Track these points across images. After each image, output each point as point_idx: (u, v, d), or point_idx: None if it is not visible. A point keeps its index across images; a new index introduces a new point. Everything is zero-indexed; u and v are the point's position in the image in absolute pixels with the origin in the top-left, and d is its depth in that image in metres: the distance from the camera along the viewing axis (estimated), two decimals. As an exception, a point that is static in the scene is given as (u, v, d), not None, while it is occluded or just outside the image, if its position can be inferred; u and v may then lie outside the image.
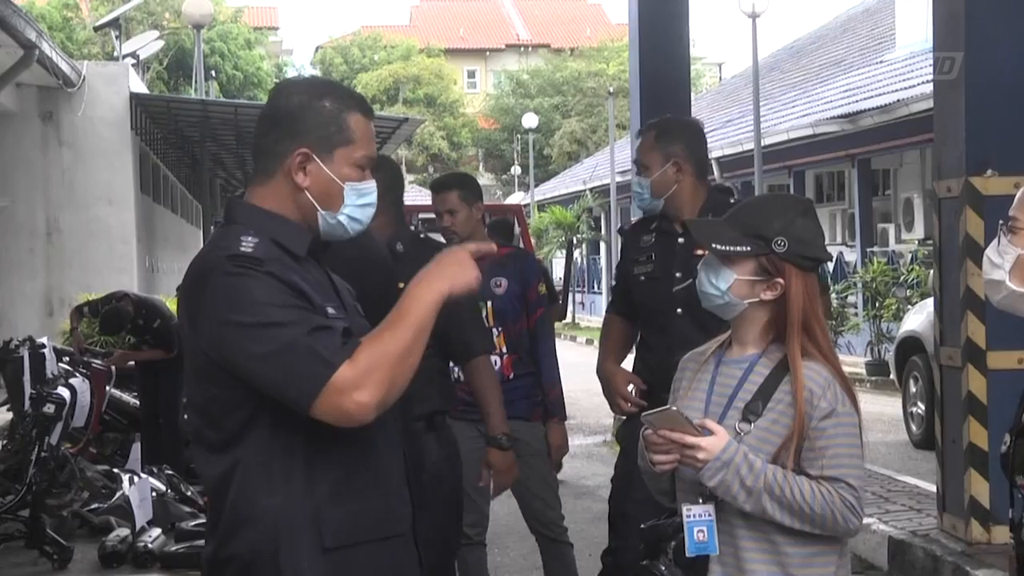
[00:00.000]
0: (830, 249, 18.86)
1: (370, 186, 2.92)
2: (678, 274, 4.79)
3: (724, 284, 3.12)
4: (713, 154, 25.13)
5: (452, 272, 2.76)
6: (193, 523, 7.95)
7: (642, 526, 3.25)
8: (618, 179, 30.52)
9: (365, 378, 2.61)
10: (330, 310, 2.79)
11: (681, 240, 4.83)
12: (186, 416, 10.35)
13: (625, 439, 5.04)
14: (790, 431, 3.01)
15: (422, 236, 5.10)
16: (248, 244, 2.73)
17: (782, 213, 3.16)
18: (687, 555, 3.05)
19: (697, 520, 3.05)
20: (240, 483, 2.74)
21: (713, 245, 3.15)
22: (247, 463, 2.72)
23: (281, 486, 2.72)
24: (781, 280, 3.09)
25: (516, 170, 56.03)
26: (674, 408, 3.06)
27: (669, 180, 4.83)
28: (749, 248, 3.11)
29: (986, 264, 2.66)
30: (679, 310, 4.78)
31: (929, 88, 11.40)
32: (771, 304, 3.12)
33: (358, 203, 2.90)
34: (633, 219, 6.27)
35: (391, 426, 2.91)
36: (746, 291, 3.12)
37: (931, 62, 7.13)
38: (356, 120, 2.89)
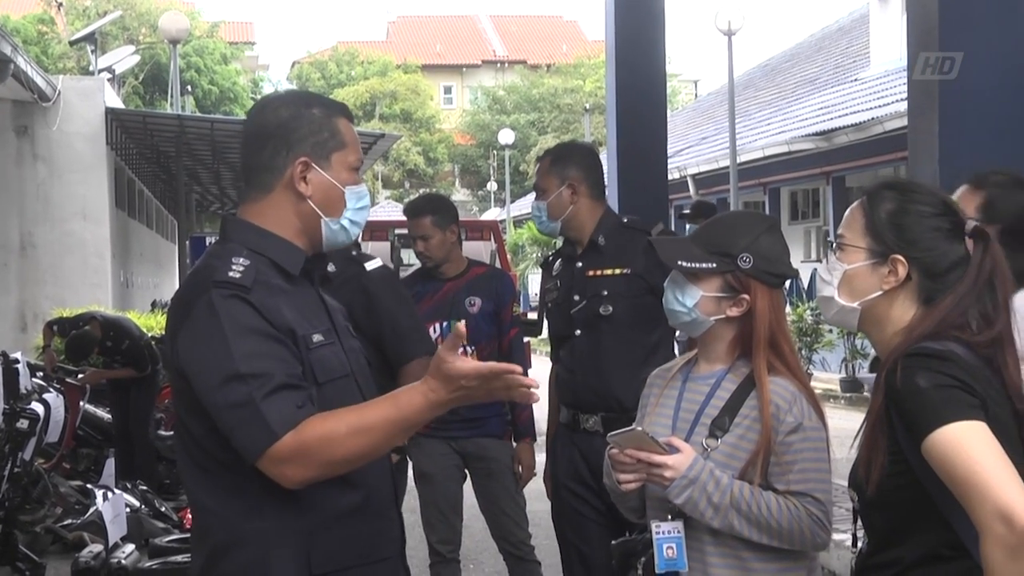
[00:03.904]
0: (805, 266, 19.00)
1: (364, 189, 2.95)
2: (575, 297, 4.90)
3: (690, 301, 3.15)
4: (689, 171, 25.25)
5: (474, 397, 2.64)
6: (167, 539, 7.91)
7: (613, 542, 3.27)
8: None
9: (301, 456, 2.58)
10: (316, 337, 2.77)
11: (579, 264, 4.97)
12: (160, 432, 10.35)
13: (548, 459, 5.16)
14: (757, 446, 3.03)
15: (354, 254, 5.13)
16: (237, 268, 2.71)
17: (747, 230, 3.20)
18: (657, 572, 3.07)
19: (666, 537, 3.07)
20: (233, 504, 2.73)
21: (679, 263, 3.17)
22: (240, 485, 2.70)
23: (273, 509, 2.70)
24: (747, 296, 3.12)
25: (492, 186, 56.10)
26: (639, 428, 3.07)
27: (564, 202, 4.98)
28: (714, 265, 3.14)
29: (818, 283, 2.74)
30: (578, 331, 4.92)
31: (903, 106, 11.46)
32: (737, 320, 3.14)
33: (357, 206, 2.91)
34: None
35: None
36: (712, 308, 3.14)
37: (905, 80, 7.14)
38: (344, 124, 2.92)
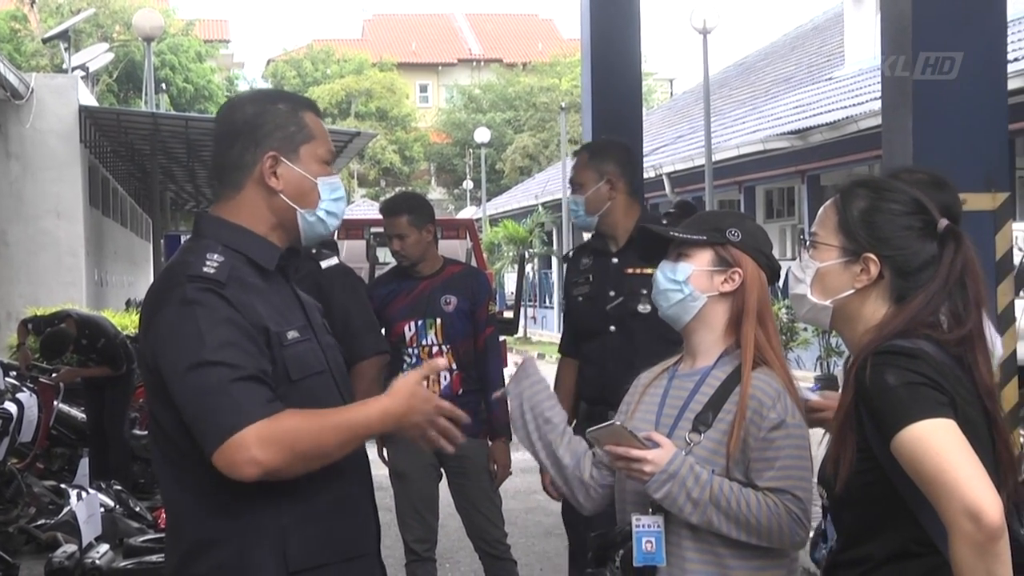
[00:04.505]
0: (780, 264, 19.11)
1: (338, 180, 2.96)
2: (611, 293, 4.95)
3: (682, 275, 3.16)
4: (664, 170, 25.28)
5: (417, 421, 2.77)
6: (142, 539, 7.89)
7: (592, 534, 3.27)
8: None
9: (272, 442, 2.56)
10: (291, 334, 2.77)
11: (615, 260, 5.01)
12: (135, 431, 10.31)
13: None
14: (732, 435, 3.03)
15: (312, 251, 5.14)
16: (212, 263, 2.72)
17: (732, 215, 3.29)
18: (635, 564, 3.07)
19: (646, 530, 3.07)
20: (207, 503, 2.71)
21: (672, 233, 3.22)
22: (214, 484, 2.67)
23: (248, 507, 2.69)
24: (739, 270, 3.14)
25: (468, 184, 56.05)
26: (617, 423, 3.08)
27: (603, 197, 5.06)
28: (705, 237, 3.17)
29: (791, 280, 2.76)
30: (612, 328, 5.00)
31: (877, 105, 11.49)
32: (729, 303, 3.15)
33: (332, 197, 2.91)
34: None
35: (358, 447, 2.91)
36: (705, 283, 3.15)
37: (879, 79, 7.17)
38: (311, 118, 2.93)
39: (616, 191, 5.04)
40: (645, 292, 4.86)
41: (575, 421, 5.25)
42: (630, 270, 4.96)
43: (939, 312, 2.54)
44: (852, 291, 2.63)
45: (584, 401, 5.17)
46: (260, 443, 2.55)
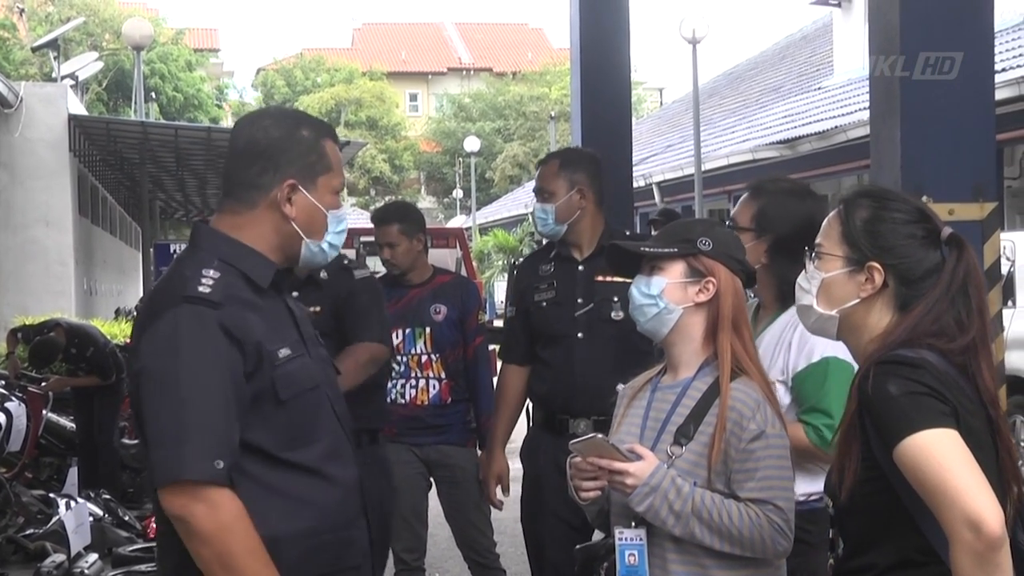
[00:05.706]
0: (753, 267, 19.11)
1: (344, 212, 2.97)
2: (579, 299, 4.93)
3: (656, 289, 3.17)
4: (654, 179, 25.30)
5: None
6: (131, 548, 7.88)
7: (577, 547, 3.27)
8: (560, 203, 30.49)
9: (220, 506, 2.60)
10: (283, 352, 2.77)
11: (581, 268, 5.02)
12: (124, 440, 10.28)
13: (526, 460, 5.19)
14: (712, 447, 3.04)
15: (346, 263, 5.18)
16: (207, 282, 2.71)
17: (701, 223, 3.32)
18: (617, 577, 3.07)
19: (629, 544, 3.07)
20: None
21: (642, 248, 3.22)
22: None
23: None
24: (713, 279, 3.14)
25: (458, 193, 56.06)
26: (599, 436, 3.09)
27: (573, 206, 5.03)
28: (676, 249, 3.18)
29: (798, 291, 2.77)
30: (580, 334, 4.96)
31: (866, 115, 11.50)
32: (705, 313, 3.16)
33: (337, 230, 2.94)
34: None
35: (349, 457, 2.92)
36: (679, 295, 3.16)
37: (868, 89, 7.17)
38: (331, 147, 2.94)
39: (586, 200, 5.02)
40: (617, 300, 4.85)
41: (529, 428, 5.24)
42: (600, 278, 4.95)
43: (942, 320, 2.55)
44: (857, 300, 2.65)
45: (542, 408, 5.12)
46: (208, 508, 2.58)
